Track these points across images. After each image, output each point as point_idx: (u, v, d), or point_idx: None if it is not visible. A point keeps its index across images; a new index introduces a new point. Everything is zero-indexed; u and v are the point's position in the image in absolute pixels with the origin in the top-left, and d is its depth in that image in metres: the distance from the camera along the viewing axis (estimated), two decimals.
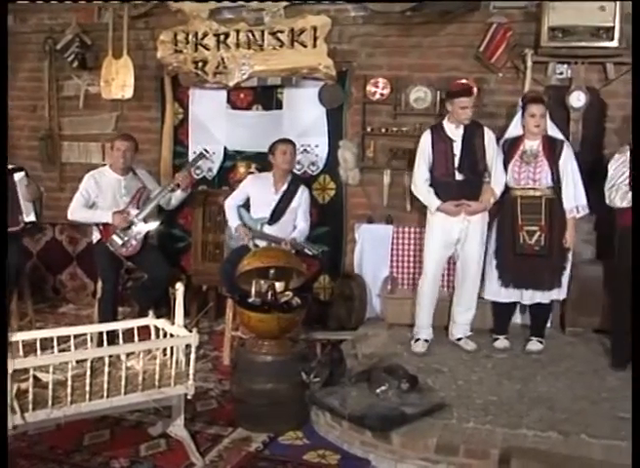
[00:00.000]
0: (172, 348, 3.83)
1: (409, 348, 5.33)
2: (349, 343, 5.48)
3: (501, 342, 5.40)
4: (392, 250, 6.16)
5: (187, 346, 3.81)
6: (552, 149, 5.15)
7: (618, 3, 5.44)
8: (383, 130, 6.25)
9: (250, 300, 4.39)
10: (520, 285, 5.26)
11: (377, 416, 3.94)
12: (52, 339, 3.88)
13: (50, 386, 3.36)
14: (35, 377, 3.39)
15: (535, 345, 5.33)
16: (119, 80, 6.63)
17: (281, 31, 6.15)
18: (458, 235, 5.23)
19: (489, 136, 5.23)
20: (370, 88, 6.23)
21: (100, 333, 4.18)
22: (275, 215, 5.63)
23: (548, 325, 5.58)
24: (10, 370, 3.20)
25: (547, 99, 5.38)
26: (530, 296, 5.29)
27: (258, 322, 4.29)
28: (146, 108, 6.91)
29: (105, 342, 4.02)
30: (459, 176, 5.19)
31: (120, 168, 5.79)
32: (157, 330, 4.06)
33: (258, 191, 5.71)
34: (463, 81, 5.32)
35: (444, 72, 6.09)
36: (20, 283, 5.82)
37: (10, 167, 5.55)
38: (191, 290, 6.15)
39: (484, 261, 5.38)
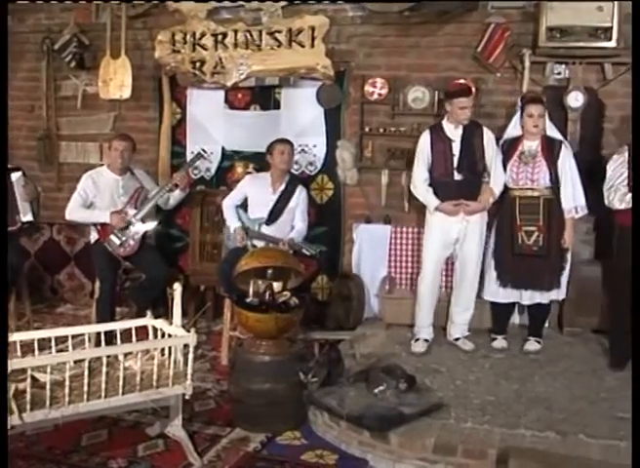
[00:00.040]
0: (170, 348, 3.83)
1: (407, 348, 5.33)
2: (347, 343, 5.48)
3: (499, 342, 5.40)
4: (390, 250, 6.17)
5: (185, 346, 3.81)
6: (551, 149, 5.15)
7: (615, 3, 5.44)
8: (381, 130, 6.25)
9: (248, 300, 4.40)
10: (518, 285, 5.26)
11: (374, 416, 3.94)
12: (49, 340, 3.86)
13: (47, 386, 3.36)
14: (33, 378, 3.38)
15: (532, 345, 5.33)
16: (117, 80, 6.63)
17: (279, 31, 6.16)
18: (456, 235, 5.23)
19: (488, 137, 5.23)
20: (368, 88, 6.23)
21: (98, 334, 4.18)
22: (273, 216, 5.63)
23: (546, 325, 5.58)
24: (7, 371, 3.20)
25: (545, 100, 5.37)
26: (529, 297, 5.29)
27: (255, 322, 4.29)
28: (144, 108, 6.91)
29: (103, 342, 4.03)
30: (457, 176, 5.18)
31: (118, 168, 5.78)
32: (155, 330, 4.05)
33: (255, 191, 5.71)
34: (462, 81, 5.33)
35: (442, 72, 6.09)
36: (17, 283, 5.81)
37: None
38: (189, 290, 6.16)
39: (483, 262, 5.38)
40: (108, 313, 5.59)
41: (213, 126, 6.69)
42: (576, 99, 5.73)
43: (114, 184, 5.78)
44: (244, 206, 5.74)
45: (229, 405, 4.54)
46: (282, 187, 5.70)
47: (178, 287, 4.03)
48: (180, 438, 3.97)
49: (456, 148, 5.18)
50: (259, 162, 6.23)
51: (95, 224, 5.72)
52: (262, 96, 6.54)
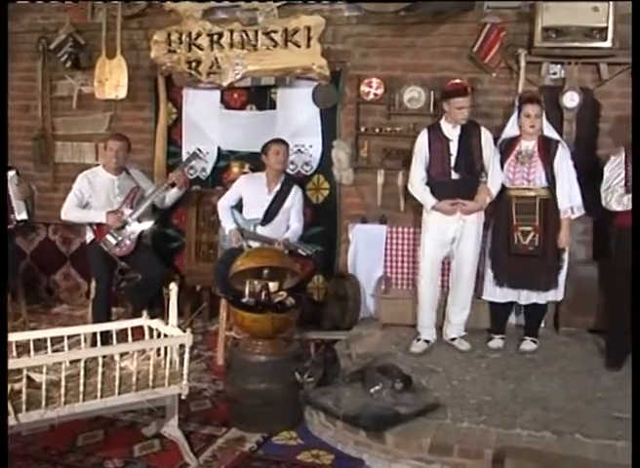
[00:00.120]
0: (165, 348, 3.83)
1: (403, 348, 5.33)
2: (343, 343, 5.48)
3: (496, 342, 5.41)
4: (386, 250, 6.17)
5: (181, 346, 3.81)
6: (547, 149, 5.15)
7: (611, 3, 5.44)
8: (377, 130, 6.24)
9: (244, 300, 4.39)
10: (515, 285, 5.27)
11: (371, 416, 3.94)
12: (45, 340, 3.86)
13: (43, 387, 3.35)
14: (29, 378, 3.38)
15: (529, 345, 5.33)
16: (113, 80, 6.61)
17: (275, 31, 6.15)
18: (453, 234, 5.24)
19: (486, 136, 5.23)
20: (364, 88, 6.22)
21: (94, 334, 4.17)
22: (268, 216, 5.63)
23: (542, 325, 5.58)
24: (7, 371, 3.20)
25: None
26: (526, 297, 5.29)
27: (251, 322, 4.29)
28: (140, 108, 6.90)
29: (99, 343, 4.02)
30: (455, 176, 5.19)
31: (113, 167, 5.78)
32: (151, 330, 4.05)
33: (250, 192, 5.71)
34: (457, 81, 5.32)
35: (438, 72, 6.09)
36: (13, 283, 5.80)
37: None
38: (185, 290, 6.15)
39: (481, 261, 5.39)
40: (104, 313, 5.59)
41: (209, 126, 6.67)
42: (571, 100, 5.74)
43: (110, 184, 5.78)
44: (239, 206, 5.74)
45: (225, 405, 4.54)
46: (277, 187, 5.70)
47: (173, 287, 4.04)
48: (177, 438, 3.97)
49: (453, 148, 5.18)
50: (254, 162, 6.22)
51: (90, 224, 5.72)
52: (258, 96, 6.53)
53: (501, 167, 5.21)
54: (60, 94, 7.11)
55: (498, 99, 5.99)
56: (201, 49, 6.34)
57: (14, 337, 3.77)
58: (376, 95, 6.22)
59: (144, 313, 4.29)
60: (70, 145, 7.14)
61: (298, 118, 6.44)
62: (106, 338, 4.13)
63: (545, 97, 5.62)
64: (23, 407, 3.30)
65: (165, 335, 3.93)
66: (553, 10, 5.54)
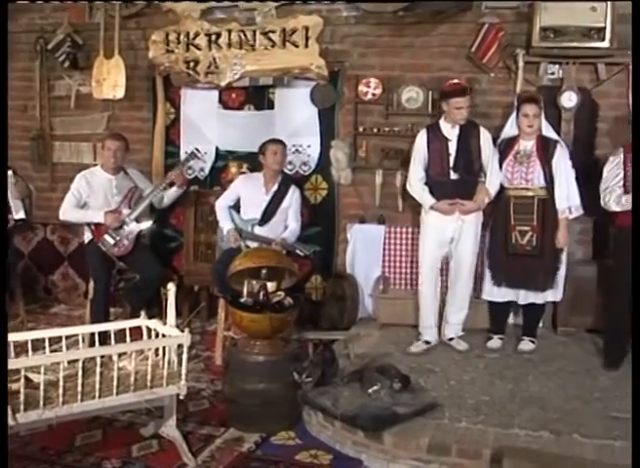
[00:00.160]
0: (164, 348, 3.82)
1: (401, 348, 5.33)
2: (341, 343, 5.48)
3: (494, 342, 5.41)
4: (384, 250, 6.17)
5: (179, 346, 3.81)
6: (545, 149, 5.14)
7: (609, 4, 5.45)
8: (375, 130, 6.25)
9: (242, 300, 4.39)
10: (512, 284, 5.26)
11: (369, 416, 3.94)
12: (43, 340, 3.85)
13: (41, 387, 3.35)
14: (27, 378, 3.38)
15: (527, 345, 5.33)
16: (110, 80, 6.62)
17: (273, 31, 6.15)
18: (451, 234, 5.23)
19: (485, 136, 5.24)
20: (362, 88, 6.23)
21: (92, 334, 4.17)
22: (266, 216, 5.63)
23: (540, 324, 5.58)
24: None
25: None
26: (525, 296, 5.28)
27: (250, 322, 4.29)
28: (138, 108, 6.90)
29: (97, 343, 4.01)
30: (453, 176, 5.19)
31: (111, 167, 5.78)
32: (149, 330, 4.05)
33: (248, 192, 5.71)
34: (456, 81, 5.32)
35: (436, 72, 6.10)
36: (11, 283, 5.80)
37: None
38: (183, 290, 6.14)
39: (480, 261, 5.40)
40: (102, 313, 5.58)
41: (207, 126, 6.67)
42: (569, 99, 5.75)
43: (108, 184, 5.78)
44: (237, 206, 5.74)
45: (223, 405, 4.54)
46: (275, 188, 5.70)
47: (172, 287, 4.04)
48: (175, 438, 3.97)
49: (452, 148, 5.18)
50: (252, 162, 6.21)
51: (89, 224, 5.71)
52: (256, 96, 6.53)
53: (500, 166, 5.21)
54: (57, 94, 7.11)
55: (496, 99, 6.00)
56: (199, 49, 6.34)
57: (12, 337, 3.76)
58: (374, 95, 6.22)
59: (143, 313, 4.28)
60: (68, 145, 7.14)
61: (296, 118, 6.44)
62: (104, 338, 4.12)
63: (543, 97, 5.61)
64: (22, 407, 3.30)
65: (163, 336, 3.92)
66: (551, 10, 5.55)
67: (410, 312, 5.65)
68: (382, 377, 4.24)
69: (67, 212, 5.71)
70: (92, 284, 5.77)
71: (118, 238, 5.64)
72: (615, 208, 4.84)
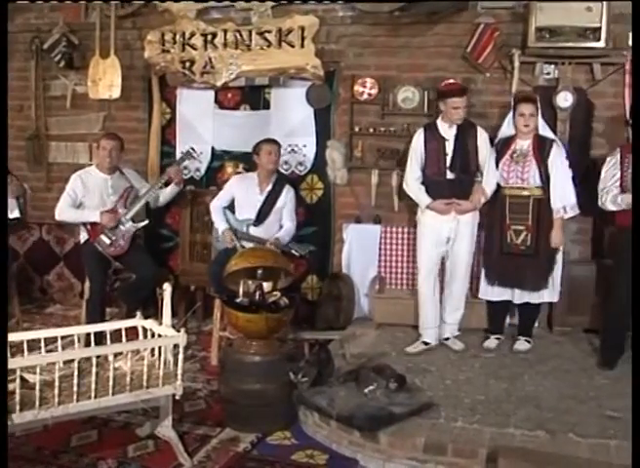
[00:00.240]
0: (160, 348, 3.82)
1: (397, 348, 5.33)
2: (337, 343, 5.47)
3: (490, 342, 5.41)
4: (380, 249, 6.17)
5: (175, 346, 3.81)
6: (541, 149, 5.14)
7: (604, 4, 5.45)
8: (371, 130, 6.25)
9: (238, 300, 4.40)
10: (505, 283, 5.27)
11: (365, 416, 3.94)
12: (39, 340, 3.85)
13: (37, 387, 3.35)
14: (22, 378, 3.37)
15: (522, 345, 5.34)
16: (106, 80, 6.61)
17: (269, 31, 6.15)
18: (447, 234, 5.23)
19: (482, 136, 5.24)
20: (358, 88, 6.23)
21: (88, 334, 4.16)
22: (261, 216, 5.63)
23: (536, 324, 5.58)
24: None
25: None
26: (521, 296, 5.28)
27: (246, 322, 4.29)
28: (134, 108, 6.89)
29: (93, 343, 4.01)
30: (450, 175, 5.19)
31: (106, 167, 5.77)
32: (145, 330, 4.04)
33: (242, 192, 5.71)
34: (451, 81, 5.33)
35: (432, 72, 6.10)
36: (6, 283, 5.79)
37: None
38: (179, 290, 6.15)
39: (476, 261, 5.40)
40: (98, 313, 5.57)
41: (202, 126, 6.67)
42: (565, 100, 5.74)
43: (103, 184, 5.78)
44: (232, 206, 5.74)
45: (219, 405, 4.53)
46: (269, 187, 5.70)
47: (167, 287, 4.03)
48: (171, 438, 3.97)
49: (449, 147, 5.18)
50: (248, 162, 6.20)
51: (84, 224, 5.71)
52: (252, 95, 6.53)
53: (497, 166, 5.21)
54: (53, 93, 7.10)
55: (491, 99, 6.00)
56: (195, 49, 6.34)
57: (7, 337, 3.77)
58: (370, 95, 6.22)
59: (138, 313, 4.26)
60: (64, 145, 7.12)
61: (292, 118, 6.45)
62: (100, 339, 4.13)
63: (539, 97, 5.63)
64: (17, 407, 3.29)
65: (159, 336, 3.92)
66: (547, 10, 5.55)
67: (406, 312, 5.65)
68: (378, 377, 4.25)
69: (63, 211, 5.71)
70: (87, 284, 5.76)
71: (114, 238, 5.63)
72: (611, 207, 4.85)
